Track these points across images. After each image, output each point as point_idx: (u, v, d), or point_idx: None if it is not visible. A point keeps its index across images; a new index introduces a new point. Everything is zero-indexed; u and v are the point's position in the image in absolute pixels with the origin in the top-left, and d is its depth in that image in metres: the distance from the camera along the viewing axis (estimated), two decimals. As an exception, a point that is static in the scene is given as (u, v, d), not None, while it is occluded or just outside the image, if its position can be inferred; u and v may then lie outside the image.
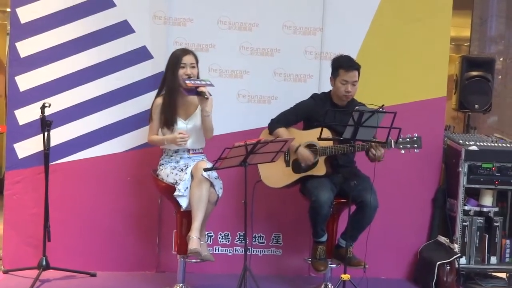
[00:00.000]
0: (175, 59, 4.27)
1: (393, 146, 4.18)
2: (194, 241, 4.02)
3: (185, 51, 4.31)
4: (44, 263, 4.44)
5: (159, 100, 4.32)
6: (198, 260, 4.16)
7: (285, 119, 4.47)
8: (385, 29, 4.95)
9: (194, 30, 4.79)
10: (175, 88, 4.27)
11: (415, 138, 4.22)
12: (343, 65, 4.34)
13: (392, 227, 4.96)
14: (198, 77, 4.31)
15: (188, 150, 4.32)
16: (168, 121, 4.27)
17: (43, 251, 4.46)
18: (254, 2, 4.86)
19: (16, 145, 4.70)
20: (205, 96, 4.16)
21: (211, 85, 4.19)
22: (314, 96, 4.54)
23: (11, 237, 4.72)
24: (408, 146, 4.22)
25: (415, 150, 4.23)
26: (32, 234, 4.67)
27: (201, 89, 4.16)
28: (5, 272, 4.62)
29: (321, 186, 4.24)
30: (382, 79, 4.90)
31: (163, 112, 4.28)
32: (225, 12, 4.82)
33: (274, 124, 4.45)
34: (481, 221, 4.94)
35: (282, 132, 4.41)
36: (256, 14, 4.85)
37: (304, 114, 4.48)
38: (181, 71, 4.25)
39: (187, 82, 4.17)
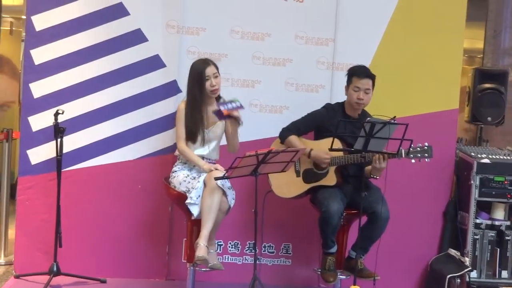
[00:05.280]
0: (199, 74, 4.28)
1: (403, 156, 4.17)
2: (202, 249, 4.02)
3: (206, 63, 4.32)
4: (55, 268, 4.47)
5: (183, 105, 4.35)
6: (207, 269, 4.15)
7: (297, 128, 4.46)
8: (398, 40, 4.95)
9: (206, 39, 4.82)
10: (202, 103, 4.30)
11: (425, 148, 4.20)
12: (356, 72, 4.36)
13: (403, 239, 4.93)
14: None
15: (203, 159, 4.34)
16: (193, 135, 4.29)
17: (54, 257, 4.48)
18: (267, 12, 4.87)
19: (29, 151, 4.74)
20: (239, 122, 4.23)
21: (241, 107, 4.21)
22: (327, 106, 4.54)
23: (23, 242, 4.75)
24: (419, 155, 4.20)
25: (426, 160, 4.21)
26: (43, 240, 4.70)
27: (234, 114, 4.18)
28: (16, 277, 4.65)
29: (332, 196, 4.23)
30: (394, 91, 4.89)
31: (187, 125, 4.30)
32: (238, 22, 4.85)
33: (286, 132, 4.45)
34: (493, 234, 4.90)
35: (294, 139, 4.40)
36: (268, 24, 4.87)
37: (316, 124, 4.48)
38: (207, 84, 4.28)
39: (222, 108, 4.15)
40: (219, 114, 4.19)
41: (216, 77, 4.31)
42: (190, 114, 4.30)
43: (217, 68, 4.35)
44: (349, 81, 4.39)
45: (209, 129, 4.35)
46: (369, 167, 4.27)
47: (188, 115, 4.30)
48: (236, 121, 4.25)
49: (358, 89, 4.33)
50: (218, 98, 4.37)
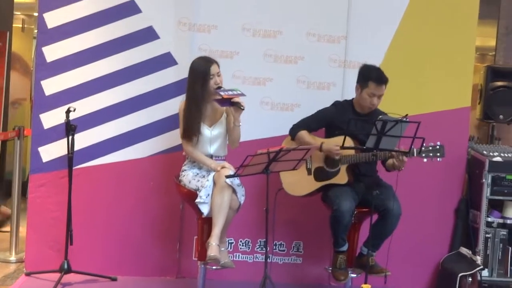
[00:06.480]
0: (203, 72, 4.24)
1: (415, 155, 4.16)
2: (213, 248, 4.02)
3: (209, 62, 4.29)
4: (66, 266, 4.48)
5: (183, 105, 4.33)
6: (218, 267, 4.16)
7: (306, 126, 4.45)
8: (410, 38, 4.93)
9: (218, 36, 4.81)
10: (204, 100, 4.28)
11: (437, 147, 4.18)
12: (373, 77, 4.30)
13: (414, 238, 4.92)
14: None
15: (211, 157, 4.33)
16: (191, 132, 4.26)
17: (65, 255, 4.50)
18: (279, 10, 4.86)
19: (40, 149, 4.75)
20: (241, 107, 4.17)
21: (243, 94, 4.19)
22: (336, 104, 4.53)
23: (34, 239, 4.76)
24: (431, 154, 4.18)
25: (438, 159, 4.20)
26: (54, 238, 4.71)
27: (236, 99, 4.16)
28: (27, 274, 4.67)
29: (343, 195, 4.22)
30: (406, 88, 4.87)
31: (186, 121, 4.28)
32: (249, 19, 4.84)
33: (296, 129, 4.45)
34: (504, 233, 4.89)
35: (305, 134, 4.40)
36: (280, 21, 4.86)
37: (325, 121, 4.47)
38: (211, 82, 4.26)
39: (223, 94, 4.15)
40: (220, 101, 4.17)
41: (219, 75, 4.29)
42: (189, 112, 4.26)
43: (219, 66, 4.32)
44: (363, 84, 4.33)
45: (213, 127, 4.34)
46: (390, 161, 4.25)
47: (189, 115, 4.26)
48: (238, 106, 4.18)
49: (373, 95, 4.30)
50: (218, 87, 4.28)
